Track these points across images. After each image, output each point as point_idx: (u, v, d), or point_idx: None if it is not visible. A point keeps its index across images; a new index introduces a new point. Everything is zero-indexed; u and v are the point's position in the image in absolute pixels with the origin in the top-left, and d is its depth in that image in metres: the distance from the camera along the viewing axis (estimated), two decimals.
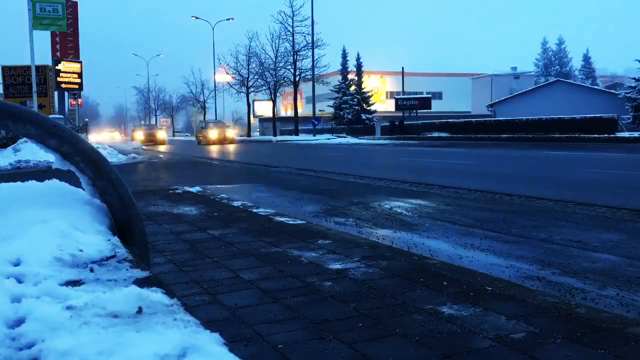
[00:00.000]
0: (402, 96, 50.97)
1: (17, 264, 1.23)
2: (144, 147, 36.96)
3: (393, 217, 5.76)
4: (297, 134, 47.08)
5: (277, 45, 47.82)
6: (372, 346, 2.18)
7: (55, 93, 27.12)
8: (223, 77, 58.10)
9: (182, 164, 16.66)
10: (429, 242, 4.52)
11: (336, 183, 9.48)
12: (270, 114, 55.34)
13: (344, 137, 41.42)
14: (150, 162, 17.65)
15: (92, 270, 1.24)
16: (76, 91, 29.81)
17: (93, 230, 1.50)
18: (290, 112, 67.45)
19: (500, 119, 35.88)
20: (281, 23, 46.80)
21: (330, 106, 57.03)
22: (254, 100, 62.82)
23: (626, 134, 25.83)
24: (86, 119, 41.81)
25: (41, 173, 11.22)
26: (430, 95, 50.20)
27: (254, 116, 69.18)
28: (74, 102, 32.49)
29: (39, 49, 19.48)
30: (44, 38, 27.35)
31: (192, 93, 74.48)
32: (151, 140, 41.66)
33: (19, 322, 0.96)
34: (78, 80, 28.76)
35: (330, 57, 69.81)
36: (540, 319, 2.43)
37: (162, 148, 34.12)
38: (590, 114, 29.05)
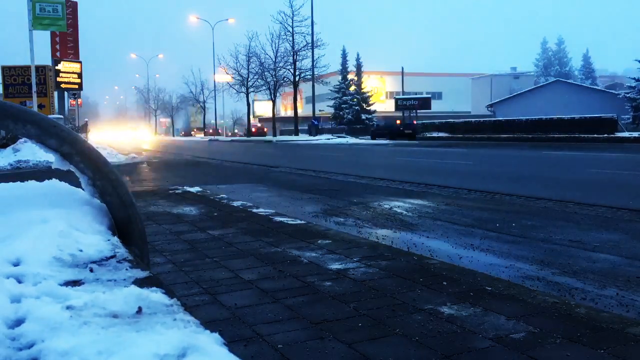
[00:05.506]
0: (401, 96, 50.94)
1: (17, 264, 1.23)
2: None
3: (393, 217, 5.76)
4: (297, 134, 47.07)
5: (277, 45, 47.75)
6: (372, 346, 2.18)
7: (55, 93, 27.11)
8: (223, 77, 58.05)
9: (181, 164, 16.65)
10: (429, 242, 4.52)
11: (336, 183, 9.48)
12: (270, 114, 55.32)
13: (344, 137, 41.41)
14: (149, 162, 17.64)
15: (91, 270, 1.24)
16: (76, 91, 29.86)
17: (93, 230, 1.50)
18: (290, 112, 67.38)
19: (500, 119, 35.89)
20: (281, 23, 46.73)
21: (330, 106, 57.00)
22: (253, 100, 62.83)
23: (626, 134, 25.83)
24: (86, 119, 41.77)
25: (41, 173, 11.22)
26: (430, 95, 50.15)
27: (254, 116, 69.19)
28: (74, 102, 32.52)
29: (39, 49, 19.49)
30: (44, 38, 27.39)
31: (192, 93, 74.51)
32: None
33: (19, 322, 0.96)
34: (78, 80, 28.82)
35: (330, 57, 69.67)
36: (540, 319, 2.43)
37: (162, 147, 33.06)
38: (589, 114, 29.07)
